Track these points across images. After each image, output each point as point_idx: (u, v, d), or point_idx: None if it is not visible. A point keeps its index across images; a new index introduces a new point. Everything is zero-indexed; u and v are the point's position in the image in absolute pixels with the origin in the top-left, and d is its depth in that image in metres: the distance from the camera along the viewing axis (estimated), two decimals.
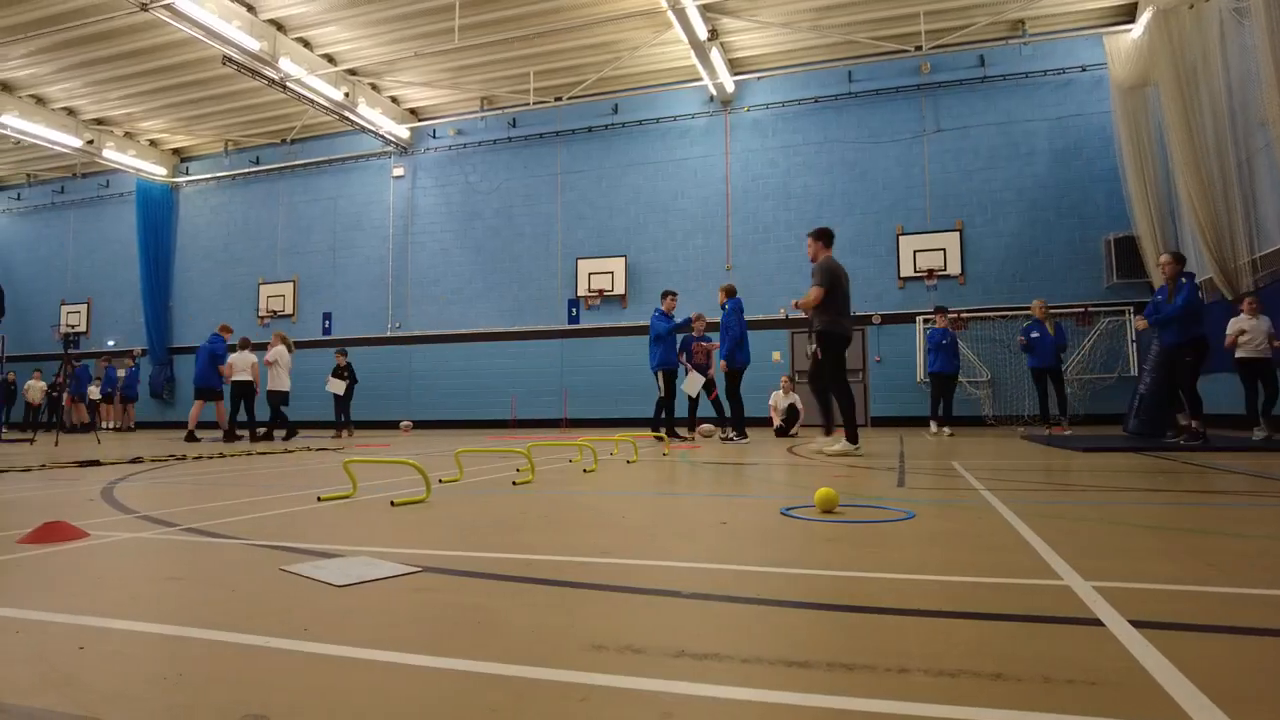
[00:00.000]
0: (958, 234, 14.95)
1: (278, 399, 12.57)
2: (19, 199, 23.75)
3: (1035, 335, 11.08)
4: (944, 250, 14.93)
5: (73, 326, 21.97)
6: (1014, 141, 14.90)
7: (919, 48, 13.99)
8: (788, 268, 15.81)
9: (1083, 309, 14.22)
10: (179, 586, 1.98)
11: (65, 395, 15.90)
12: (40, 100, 17.97)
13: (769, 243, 16.04)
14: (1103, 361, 14.14)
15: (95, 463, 6.55)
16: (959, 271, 14.87)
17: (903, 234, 15.26)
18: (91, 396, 18.73)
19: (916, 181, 15.32)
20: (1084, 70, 14.63)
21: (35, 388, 19.93)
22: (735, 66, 15.95)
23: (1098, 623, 1.50)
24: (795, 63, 15.87)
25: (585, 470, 5.33)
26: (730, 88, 15.91)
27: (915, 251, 15.12)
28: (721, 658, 1.31)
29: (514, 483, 4.49)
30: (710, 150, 16.61)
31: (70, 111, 18.62)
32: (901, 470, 5.20)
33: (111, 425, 19.01)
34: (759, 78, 16.08)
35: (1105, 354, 14.14)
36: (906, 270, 15.16)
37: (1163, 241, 12.51)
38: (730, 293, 10.35)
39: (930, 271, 14.99)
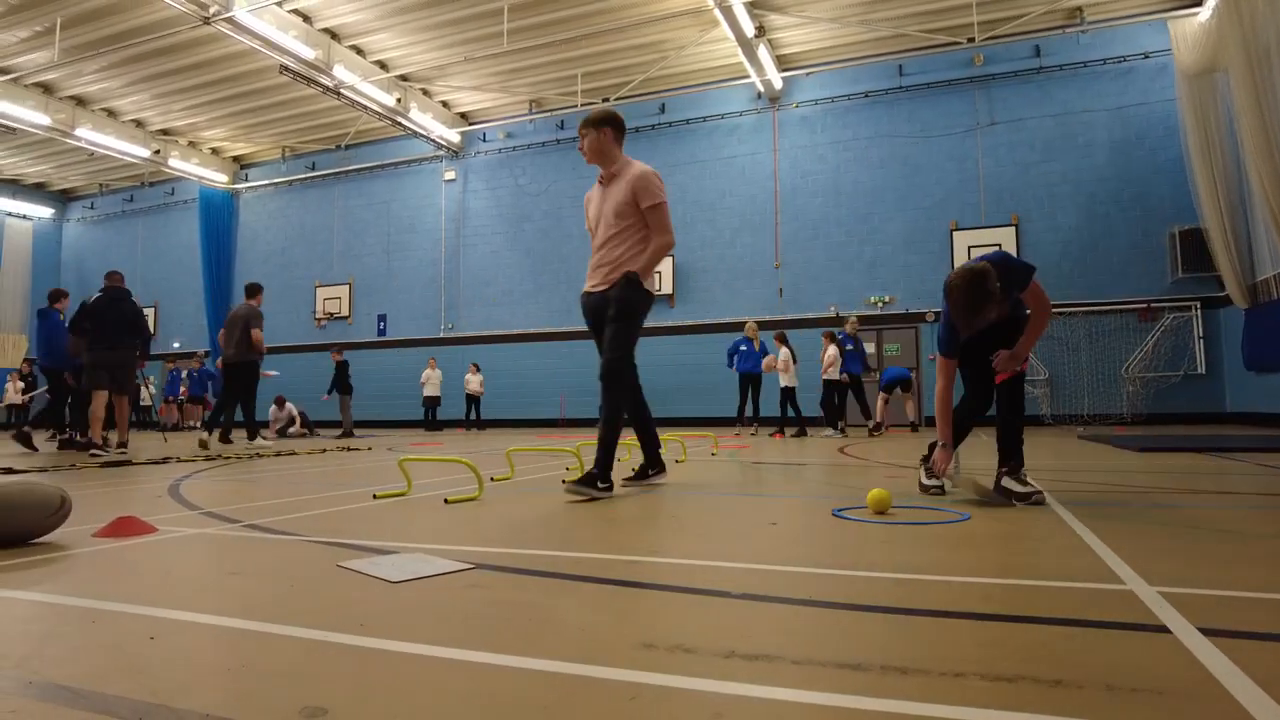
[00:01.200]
0: (1013, 229, 14.59)
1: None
2: (92, 208, 24.78)
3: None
4: (999, 246, 14.58)
5: None
6: (1072, 133, 14.47)
7: (972, 39, 13.68)
8: (837, 265, 15.63)
9: (1145, 304, 13.75)
10: (241, 581, 2.05)
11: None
12: (111, 113, 18.71)
13: (818, 240, 15.87)
14: (1167, 359, 13.65)
15: (164, 460, 6.80)
16: None
17: (956, 230, 14.95)
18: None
19: (970, 176, 15.00)
20: (1146, 57, 14.14)
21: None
22: (783, 63, 15.82)
23: (1164, 629, 1.45)
24: (844, 57, 15.67)
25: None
26: (778, 84, 15.78)
27: (969, 247, 14.77)
28: (772, 659, 1.31)
29: (564, 481, 4.52)
30: (758, 148, 16.50)
31: (139, 123, 19.35)
32: (956, 471, 5.09)
33: (191, 424, 19.66)
34: (807, 73, 15.92)
35: (1170, 351, 13.65)
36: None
37: (1232, 234, 12.02)
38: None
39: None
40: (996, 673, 1.21)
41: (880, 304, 15.32)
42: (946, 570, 2.02)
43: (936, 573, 1.99)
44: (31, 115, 16.96)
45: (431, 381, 17.10)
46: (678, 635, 1.45)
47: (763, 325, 15.77)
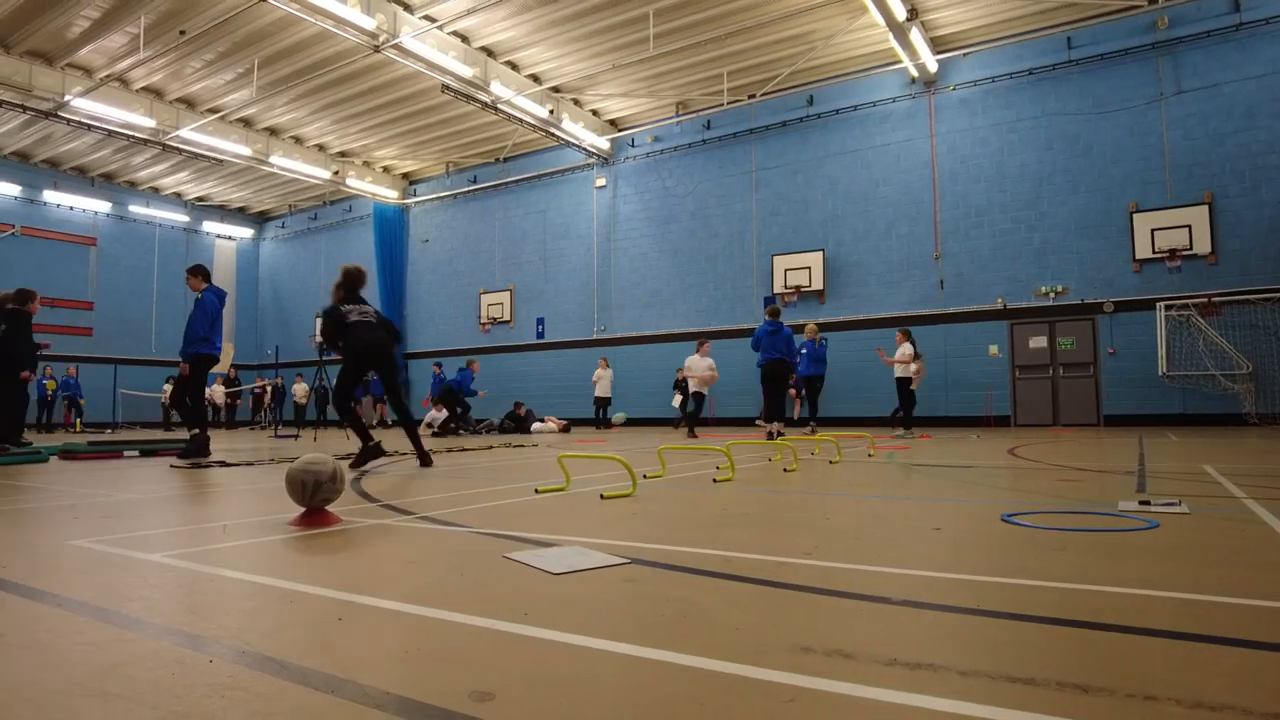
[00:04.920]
0: (1206, 207, 13.13)
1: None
2: (283, 227, 27.46)
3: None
4: (1189, 227, 13.18)
5: None
6: (1279, 97, 12.84)
7: (1153, 1, 12.44)
8: (1004, 253, 14.69)
9: None
10: (416, 570, 2.20)
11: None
12: (298, 140, 20.62)
13: (981, 228, 14.98)
14: None
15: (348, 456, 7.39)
16: (1208, 250, 13.04)
17: (1137, 211, 13.65)
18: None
19: (1153, 152, 13.65)
20: None
21: (300, 390, 22.80)
22: (937, 45, 15.07)
23: None
24: (1006, 34, 14.71)
25: (786, 470, 5.27)
26: (933, 67, 15.05)
27: (1153, 230, 13.45)
28: (937, 668, 1.25)
29: (714, 480, 4.53)
30: (913, 134, 15.80)
31: (320, 147, 21.20)
32: (1141, 474, 4.67)
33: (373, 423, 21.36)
34: (965, 54, 15.07)
35: None
36: (1143, 251, 13.52)
37: None
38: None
39: (1173, 251, 13.28)
40: (1197, 699, 1.10)
41: (1052, 294, 14.25)
42: (1130, 582, 1.86)
43: (1119, 584, 1.84)
44: (235, 147, 19.06)
45: (603, 381, 17.72)
46: (836, 639, 1.42)
47: (924, 320, 15.13)
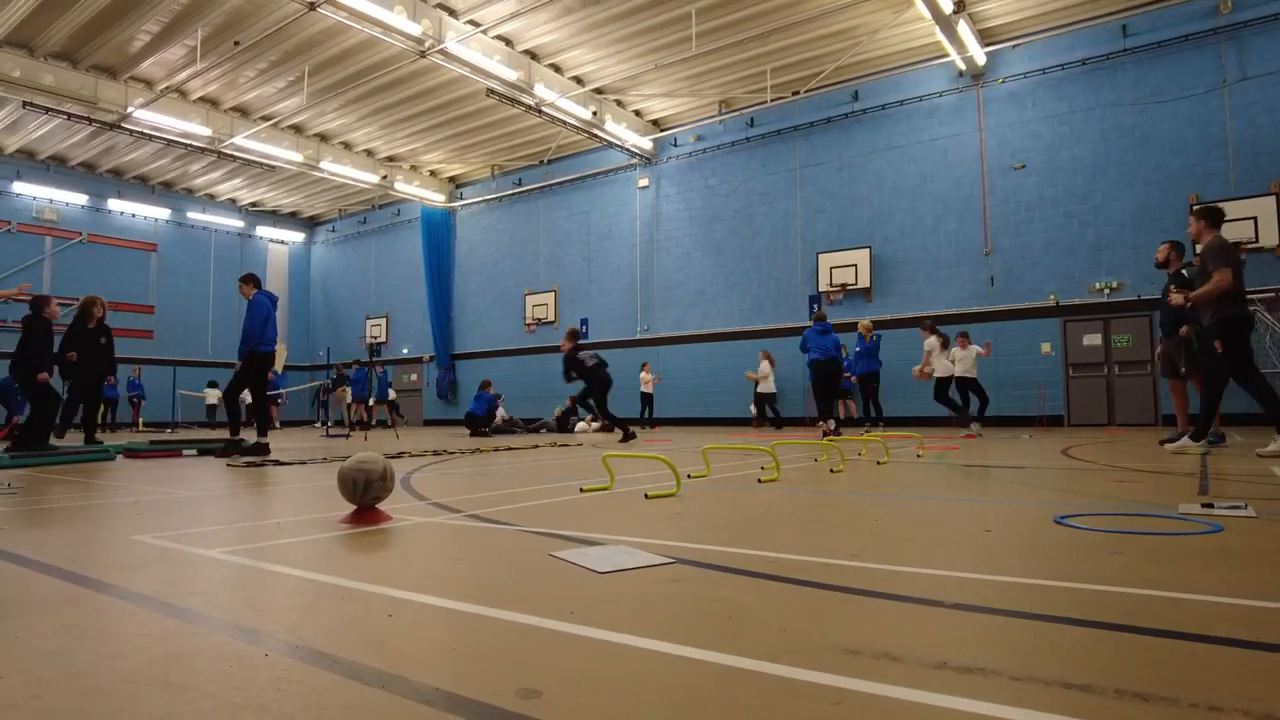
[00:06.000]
0: (1274, 198, 12.62)
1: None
2: (333, 231, 28.07)
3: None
4: (1254, 219, 12.67)
5: (375, 337, 25.43)
6: None
7: None
8: (1056, 249, 14.31)
9: None
10: (464, 567, 2.23)
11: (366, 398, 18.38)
12: (347, 146, 21.06)
13: (1033, 223, 14.62)
14: None
15: (400, 454, 7.53)
16: (1275, 242, 12.53)
17: (1198, 204, 13.17)
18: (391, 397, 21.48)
19: (1215, 141, 13.16)
20: None
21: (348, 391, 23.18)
22: (985, 37, 14.75)
23: None
24: (1057, 24, 14.33)
25: (832, 470, 5.21)
26: (981, 60, 14.74)
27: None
28: (988, 673, 1.23)
29: (759, 480, 4.50)
30: (961, 128, 15.50)
31: (369, 153, 21.61)
32: (1204, 476, 4.51)
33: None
34: (1014, 45, 14.73)
35: None
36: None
37: None
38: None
39: (1239, 244, 12.77)
40: (1266, 711, 1.06)
41: (1107, 290, 13.84)
42: (1194, 588, 1.80)
43: (1180, 589, 1.78)
44: (287, 153, 19.56)
45: (648, 382, 18.10)
46: (883, 642, 1.40)
47: (974, 318, 14.82)
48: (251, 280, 8.22)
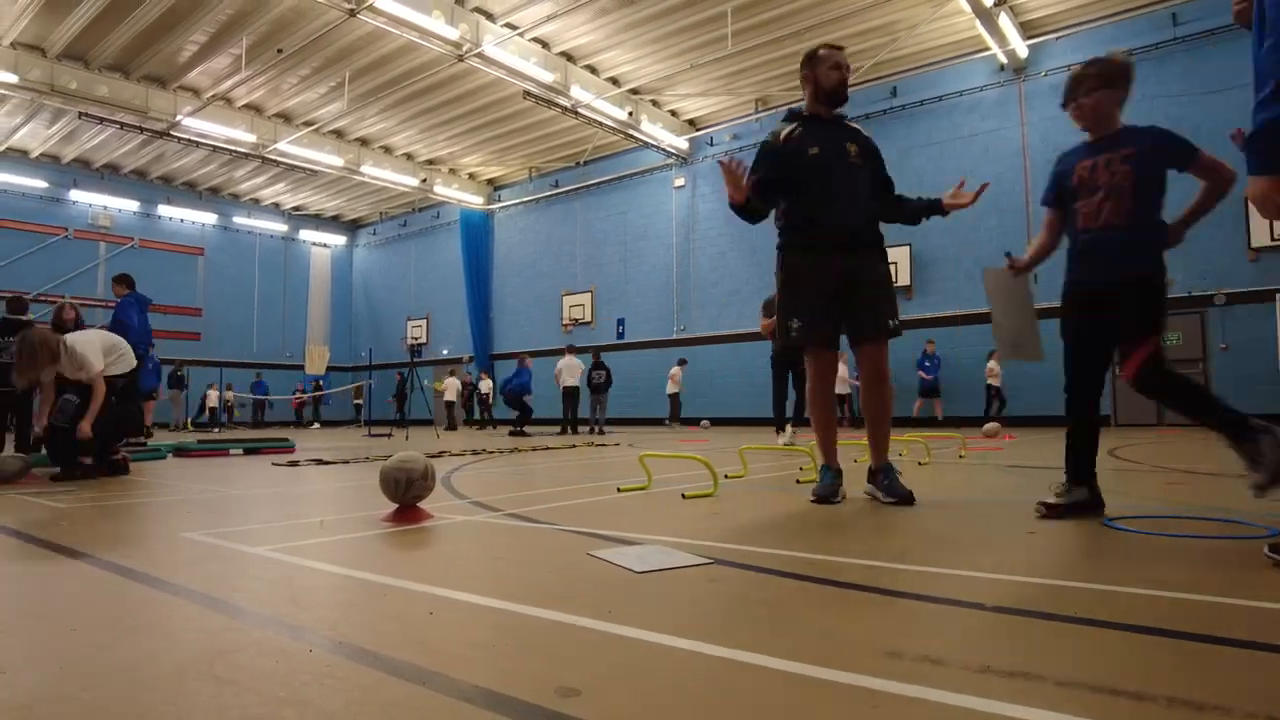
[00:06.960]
0: None
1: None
2: (375, 234, 28.53)
3: None
4: None
5: (415, 338, 25.78)
6: None
7: None
8: None
9: None
10: (504, 565, 2.24)
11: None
12: (387, 150, 21.38)
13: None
14: None
15: (440, 454, 7.62)
16: None
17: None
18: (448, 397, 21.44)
19: None
20: None
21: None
22: (1027, 29, 14.46)
23: None
24: (1102, 14, 13.99)
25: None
26: (1023, 53, 14.45)
27: None
28: (1032, 678, 1.20)
29: (798, 480, 4.46)
30: (1002, 123, 15.20)
31: (409, 156, 21.92)
32: None
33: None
34: (1057, 38, 14.41)
35: None
36: (1260, 239, 12.62)
37: None
38: None
39: None
40: None
41: None
42: (1251, 594, 1.74)
43: (1235, 595, 1.72)
44: (329, 158, 19.92)
45: (676, 380, 18.31)
46: (925, 645, 1.38)
47: None
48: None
